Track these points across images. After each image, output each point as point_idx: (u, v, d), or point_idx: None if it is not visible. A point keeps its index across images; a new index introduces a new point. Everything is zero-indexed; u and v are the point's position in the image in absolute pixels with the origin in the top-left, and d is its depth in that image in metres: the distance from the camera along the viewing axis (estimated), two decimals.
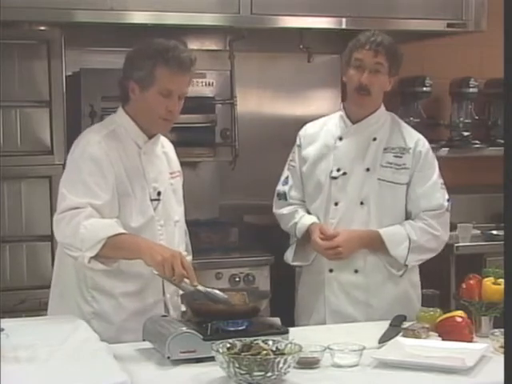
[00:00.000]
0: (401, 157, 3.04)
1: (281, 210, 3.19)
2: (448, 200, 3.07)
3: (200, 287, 2.44)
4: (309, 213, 3.14)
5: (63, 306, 2.73)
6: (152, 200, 2.73)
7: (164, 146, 2.88)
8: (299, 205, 3.16)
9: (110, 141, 2.69)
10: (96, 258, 2.51)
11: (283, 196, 3.19)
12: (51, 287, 2.83)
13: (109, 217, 2.59)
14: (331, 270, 3.06)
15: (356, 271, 3.05)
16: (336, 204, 3.05)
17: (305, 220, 3.09)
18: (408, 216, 3.05)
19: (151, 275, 2.67)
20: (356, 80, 3.00)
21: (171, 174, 2.87)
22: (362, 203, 3.03)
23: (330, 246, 2.97)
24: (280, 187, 3.21)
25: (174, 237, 2.81)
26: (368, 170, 3.04)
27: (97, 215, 2.55)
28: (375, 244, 3.01)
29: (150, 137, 2.77)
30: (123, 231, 2.54)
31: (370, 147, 3.06)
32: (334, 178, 3.06)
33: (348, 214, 3.04)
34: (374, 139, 3.06)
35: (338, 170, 3.06)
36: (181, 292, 2.80)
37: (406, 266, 3.03)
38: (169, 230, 2.78)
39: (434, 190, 3.04)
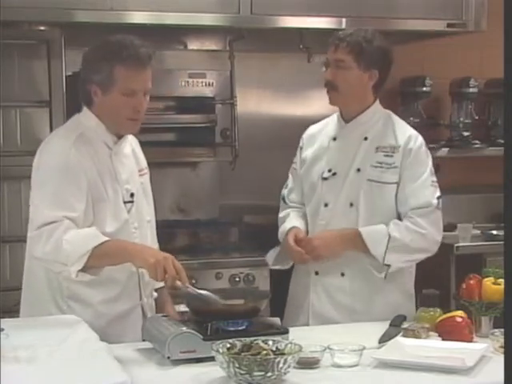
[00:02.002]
0: (391, 156, 2.96)
1: (279, 214, 3.18)
2: (439, 197, 2.96)
3: (191, 289, 2.44)
4: (306, 215, 3.11)
5: (36, 314, 2.65)
6: (125, 202, 2.68)
7: (131, 142, 2.81)
8: (297, 208, 3.14)
9: (80, 146, 2.59)
10: (82, 269, 2.46)
11: (283, 199, 3.19)
12: (22, 297, 2.77)
13: (84, 225, 2.53)
14: (317, 273, 3.02)
15: (342, 274, 2.99)
16: (326, 205, 3.01)
17: (286, 224, 3.06)
18: (398, 216, 2.97)
19: (128, 280, 2.66)
20: (324, 77, 2.99)
21: (140, 171, 2.81)
22: (351, 205, 2.97)
23: (306, 248, 2.92)
24: (282, 190, 3.21)
25: (146, 238, 2.76)
26: (359, 170, 2.98)
27: (74, 226, 2.49)
28: (357, 243, 2.91)
29: (119, 136, 2.71)
30: (106, 238, 2.49)
31: (361, 147, 3.00)
32: (325, 178, 3.02)
33: (337, 216, 2.99)
34: (365, 138, 3.01)
35: (329, 171, 3.02)
36: (155, 294, 2.81)
37: (388, 266, 2.91)
38: (142, 232, 2.74)
39: (423, 188, 2.94)
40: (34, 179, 2.63)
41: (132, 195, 2.71)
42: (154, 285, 2.79)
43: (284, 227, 3.07)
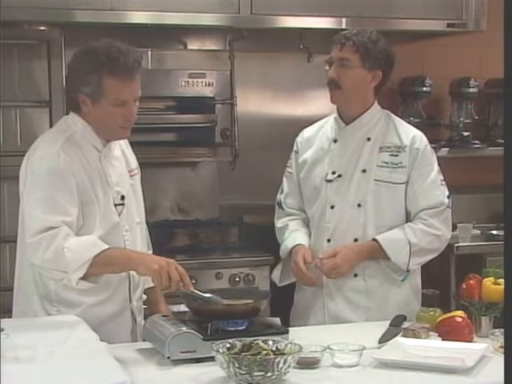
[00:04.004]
0: (397, 155, 2.98)
1: (276, 223, 3.17)
2: (448, 197, 3.00)
3: (196, 292, 2.45)
4: (305, 222, 3.11)
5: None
6: (116, 205, 2.66)
7: (120, 143, 2.79)
8: (294, 215, 3.13)
9: (69, 149, 2.58)
10: (82, 277, 2.45)
11: (280, 204, 3.18)
12: (13, 301, 2.75)
13: (76, 229, 2.52)
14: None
15: (355, 275, 3.00)
16: (332, 207, 3.01)
17: (287, 242, 3.06)
18: (408, 216, 3.00)
19: (118, 284, 2.65)
20: (327, 75, 2.98)
21: (130, 172, 2.79)
22: (359, 205, 2.98)
23: (330, 268, 2.91)
24: (278, 195, 3.20)
25: (136, 240, 2.74)
26: (364, 171, 2.99)
27: (72, 233, 2.48)
28: (375, 254, 2.95)
29: (108, 140, 2.69)
30: (107, 246, 2.48)
31: (365, 148, 3.01)
32: (329, 181, 3.02)
33: (345, 217, 2.99)
34: (368, 139, 3.01)
35: (334, 173, 3.02)
36: (145, 297, 2.80)
37: (408, 271, 2.97)
38: (133, 234, 2.72)
39: (432, 188, 2.98)
40: (23, 186, 2.62)
41: (123, 198, 2.69)
42: (143, 287, 2.80)
43: (286, 245, 3.07)
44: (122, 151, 2.79)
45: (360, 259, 2.97)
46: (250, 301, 2.48)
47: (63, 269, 2.45)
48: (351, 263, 2.95)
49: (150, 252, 2.89)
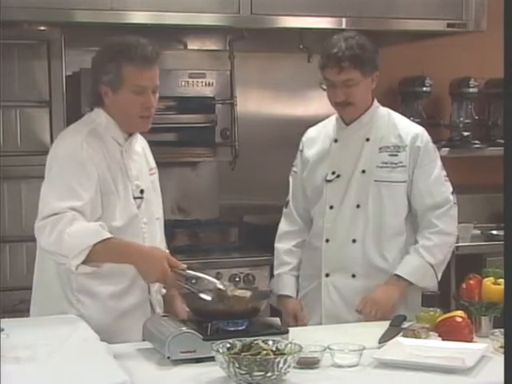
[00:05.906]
0: (396, 155, 2.98)
1: (276, 246, 3.19)
2: (452, 192, 3.02)
3: (189, 273, 2.47)
4: (300, 236, 3.14)
5: (46, 311, 2.67)
6: (135, 198, 2.72)
7: (141, 142, 2.86)
8: (294, 223, 3.16)
9: (92, 140, 2.65)
10: (83, 262, 2.47)
11: (286, 203, 3.20)
12: (32, 294, 2.78)
13: (92, 217, 2.56)
14: (327, 275, 3.03)
15: (353, 276, 3.00)
16: (331, 207, 3.02)
17: (275, 286, 3.14)
18: (413, 213, 3.00)
19: (137, 274, 2.64)
20: (332, 97, 2.98)
21: (150, 170, 2.87)
22: (358, 206, 2.99)
23: (373, 316, 2.88)
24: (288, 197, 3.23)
25: (156, 235, 2.81)
26: (364, 172, 3.00)
27: (80, 217, 2.51)
28: (403, 288, 2.93)
29: (130, 134, 2.76)
30: (109, 235, 2.50)
31: (364, 148, 3.02)
32: (329, 181, 3.03)
33: (343, 218, 3.00)
34: (368, 140, 3.02)
35: (333, 173, 3.03)
36: (163, 291, 2.82)
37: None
38: (152, 229, 2.78)
39: (437, 185, 2.98)
40: (47, 172, 2.67)
41: (142, 191, 2.75)
42: None
43: (276, 288, 3.13)
44: (142, 149, 2.85)
45: (398, 296, 2.93)
46: (248, 292, 2.48)
47: (64, 253, 2.49)
48: (391, 301, 2.91)
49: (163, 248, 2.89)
